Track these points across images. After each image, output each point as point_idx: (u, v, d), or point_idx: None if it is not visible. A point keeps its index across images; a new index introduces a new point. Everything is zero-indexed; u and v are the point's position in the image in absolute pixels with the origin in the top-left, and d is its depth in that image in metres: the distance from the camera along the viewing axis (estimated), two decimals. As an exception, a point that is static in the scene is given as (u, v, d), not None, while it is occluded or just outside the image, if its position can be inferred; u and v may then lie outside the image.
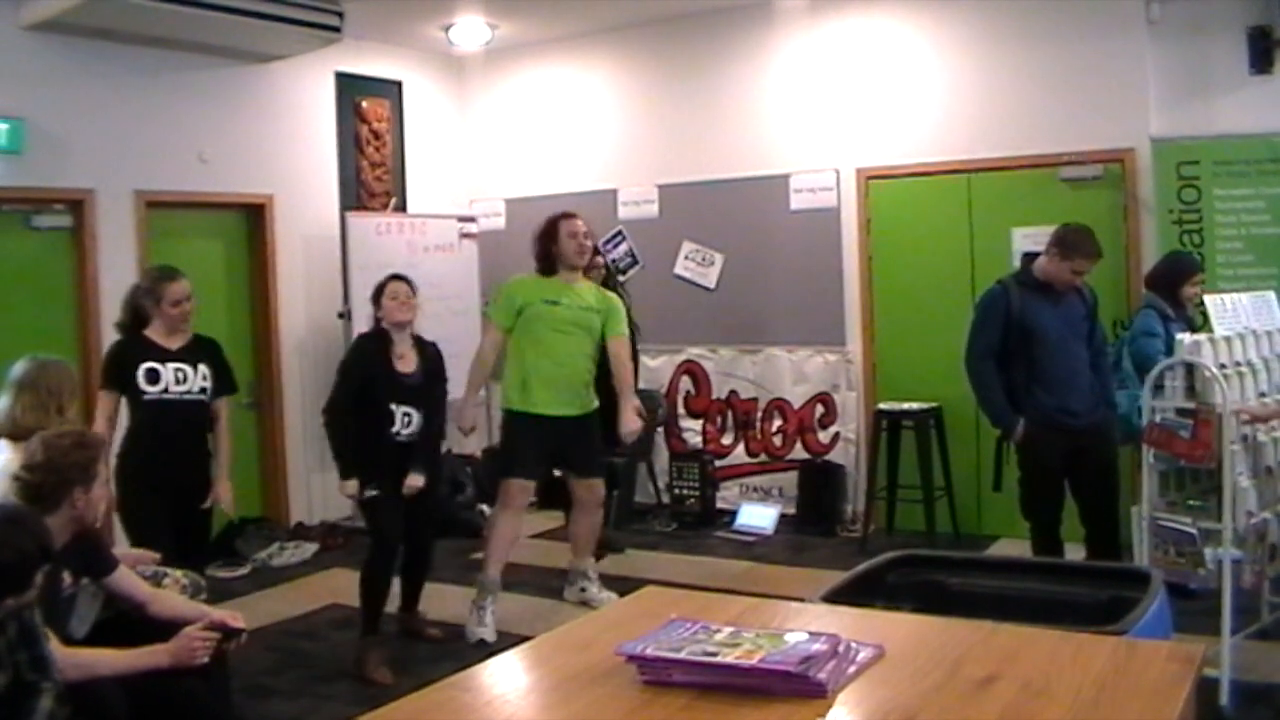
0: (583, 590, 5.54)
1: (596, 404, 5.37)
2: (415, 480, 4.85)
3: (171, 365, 4.47)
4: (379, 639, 4.84)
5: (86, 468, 3.15)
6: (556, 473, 5.64)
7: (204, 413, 4.55)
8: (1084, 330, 4.86)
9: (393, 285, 4.99)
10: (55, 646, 2.86)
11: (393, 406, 4.84)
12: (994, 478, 5.08)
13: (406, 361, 4.94)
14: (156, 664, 2.99)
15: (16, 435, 3.72)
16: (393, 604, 5.06)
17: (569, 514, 5.76)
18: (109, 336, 6.15)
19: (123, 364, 4.47)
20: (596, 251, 5.67)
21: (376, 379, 4.87)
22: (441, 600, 5.40)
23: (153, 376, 4.44)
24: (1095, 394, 4.83)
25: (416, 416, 4.89)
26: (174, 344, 4.52)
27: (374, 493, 4.84)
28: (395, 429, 4.84)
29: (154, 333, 4.52)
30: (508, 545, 5.27)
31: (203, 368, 4.54)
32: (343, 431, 4.90)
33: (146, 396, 4.43)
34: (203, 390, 4.52)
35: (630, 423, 5.14)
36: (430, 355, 5.05)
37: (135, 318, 4.54)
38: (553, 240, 5.28)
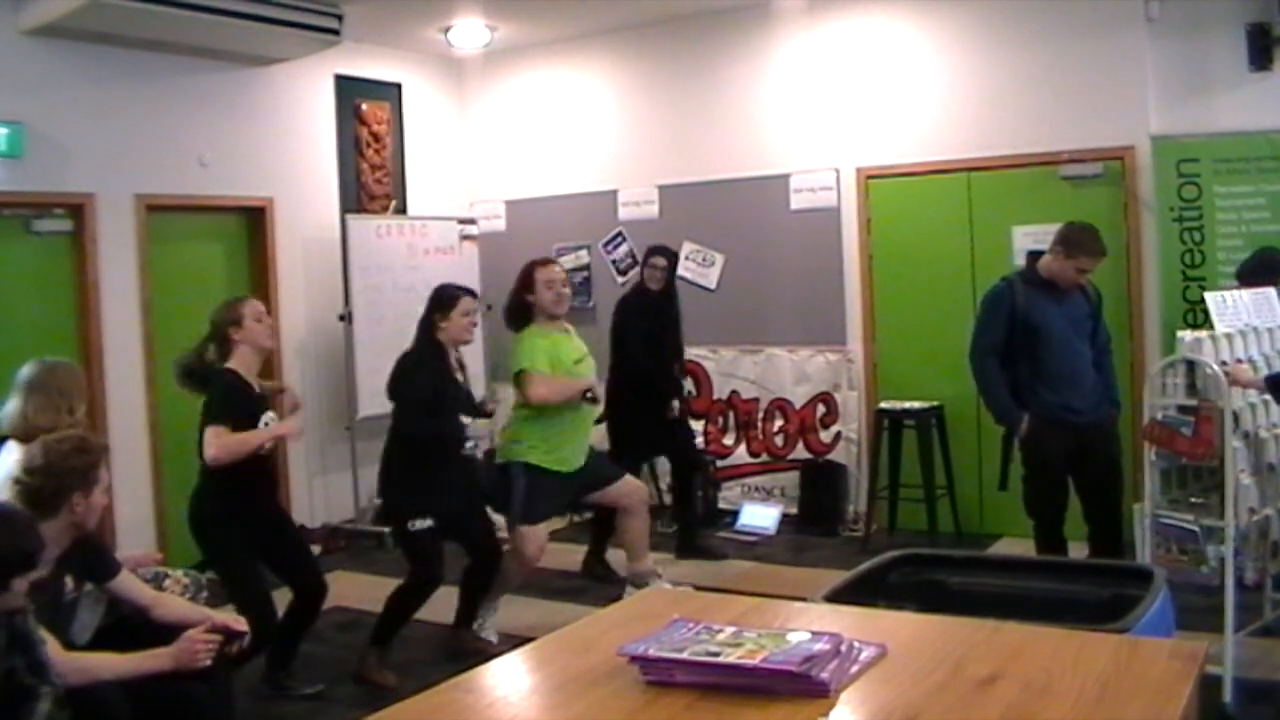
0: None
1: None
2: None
3: (269, 415, 4.46)
4: (385, 646, 4.78)
5: (85, 473, 3.13)
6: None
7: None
8: (1088, 329, 4.87)
9: (467, 301, 4.83)
10: (57, 652, 2.86)
11: (463, 419, 4.75)
12: (1000, 477, 5.06)
13: (459, 372, 4.87)
14: (158, 667, 2.99)
15: (29, 437, 3.72)
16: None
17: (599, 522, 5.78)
18: (111, 340, 6.23)
19: (244, 407, 4.34)
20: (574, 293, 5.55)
21: (444, 392, 4.70)
22: (444, 604, 5.37)
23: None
24: (1099, 392, 4.84)
25: (471, 428, 4.82)
26: (257, 386, 4.49)
27: (428, 523, 4.65)
28: (467, 443, 4.75)
29: (243, 369, 4.40)
30: (508, 591, 5.22)
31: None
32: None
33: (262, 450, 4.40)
34: None
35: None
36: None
37: (222, 356, 4.41)
38: (529, 290, 5.10)
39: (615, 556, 6.37)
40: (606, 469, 5.40)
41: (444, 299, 4.83)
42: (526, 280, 5.12)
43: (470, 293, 4.92)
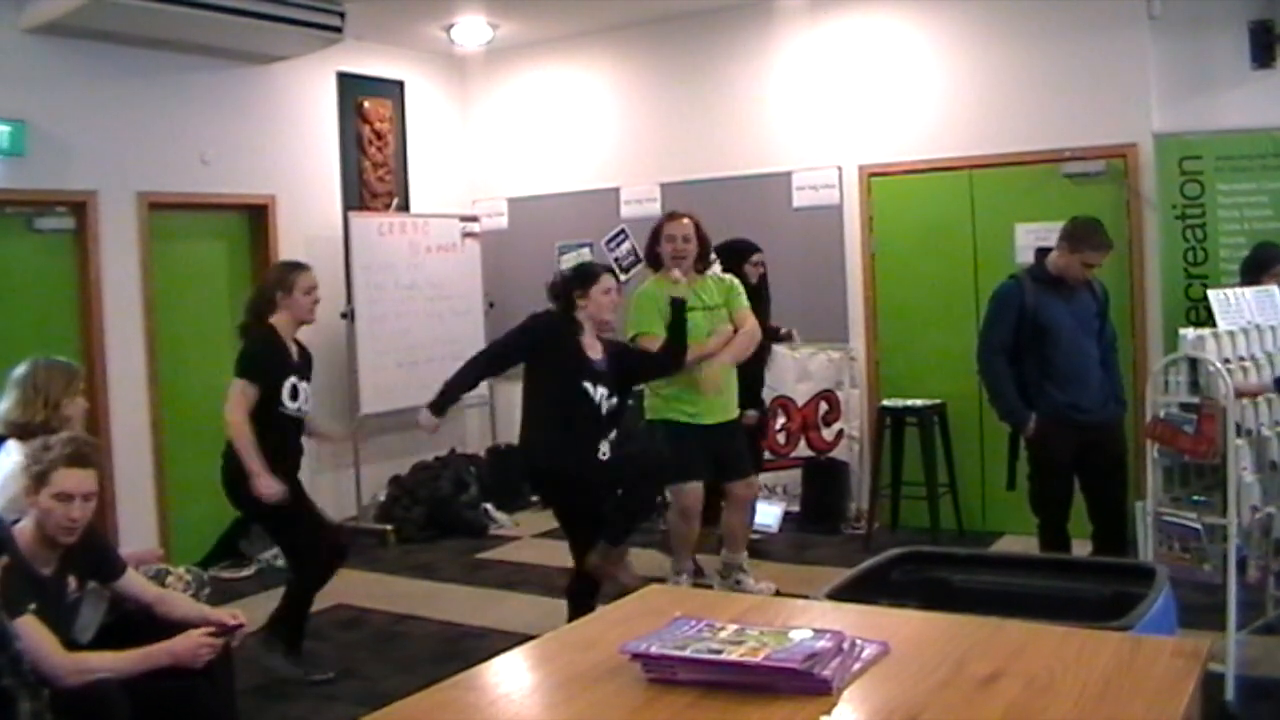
0: (738, 583, 5.46)
1: (737, 410, 5.40)
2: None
3: (304, 384, 4.52)
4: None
5: (40, 475, 3.07)
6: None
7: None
8: (1095, 326, 4.85)
9: (607, 279, 4.63)
10: (57, 651, 2.87)
11: (586, 385, 4.50)
12: (1008, 476, 5.04)
13: (594, 350, 4.61)
14: (158, 664, 3.00)
15: (12, 433, 3.74)
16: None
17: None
18: (113, 338, 6.22)
19: (272, 366, 4.43)
20: (707, 250, 5.41)
21: (567, 360, 4.51)
22: (446, 601, 5.38)
23: (294, 393, 4.48)
24: (1105, 390, 4.84)
25: (606, 392, 4.55)
26: (295, 353, 4.54)
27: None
28: (596, 401, 4.51)
29: (282, 332, 4.50)
30: (691, 543, 5.35)
31: (312, 382, 4.63)
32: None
33: (284, 411, 4.45)
34: (308, 403, 4.63)
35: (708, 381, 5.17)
36: (615, 349, 4.75)
37: (259, 315, 4.52)
38: (655, 241, 5.32)
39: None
40: (743, 460, 5.46)
41: (579, 274, 4.71)
42: (656, 233, 5.34)
43: (611, 271, 4.93)
